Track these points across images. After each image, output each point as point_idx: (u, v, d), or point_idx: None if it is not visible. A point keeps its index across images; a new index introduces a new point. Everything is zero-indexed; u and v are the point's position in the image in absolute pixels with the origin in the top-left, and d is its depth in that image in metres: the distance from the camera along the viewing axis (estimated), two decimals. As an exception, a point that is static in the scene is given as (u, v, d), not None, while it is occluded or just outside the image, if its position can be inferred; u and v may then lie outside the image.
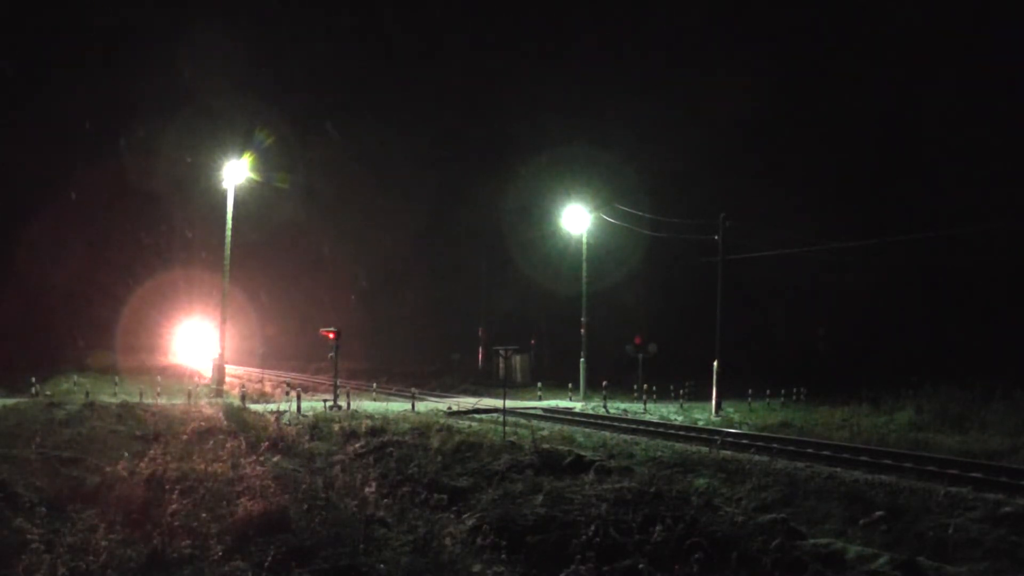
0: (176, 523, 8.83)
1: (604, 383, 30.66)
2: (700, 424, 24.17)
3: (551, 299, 48.35)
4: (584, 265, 36.50)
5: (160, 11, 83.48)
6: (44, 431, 15.54)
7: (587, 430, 22.11)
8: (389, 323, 62.18)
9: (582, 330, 36.18)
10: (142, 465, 11.84)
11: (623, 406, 29.74)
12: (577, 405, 30.84)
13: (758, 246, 30.32)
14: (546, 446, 15.72)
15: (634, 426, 23.03)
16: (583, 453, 14.92)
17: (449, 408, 27.84)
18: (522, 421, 23.18)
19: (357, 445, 16.59)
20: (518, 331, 47.47)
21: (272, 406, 24.53)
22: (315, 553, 8.40)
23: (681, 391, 31.77)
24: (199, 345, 52.80)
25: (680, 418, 26.24)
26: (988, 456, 17.00)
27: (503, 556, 8.87)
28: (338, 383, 29.09)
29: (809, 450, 17.69)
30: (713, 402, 28.02)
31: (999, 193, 37.34)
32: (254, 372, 49.03)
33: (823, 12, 55.30)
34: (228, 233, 32.79)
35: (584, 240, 36.66)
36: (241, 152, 33.16)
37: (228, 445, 13.83)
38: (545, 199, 42.81)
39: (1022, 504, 11.72)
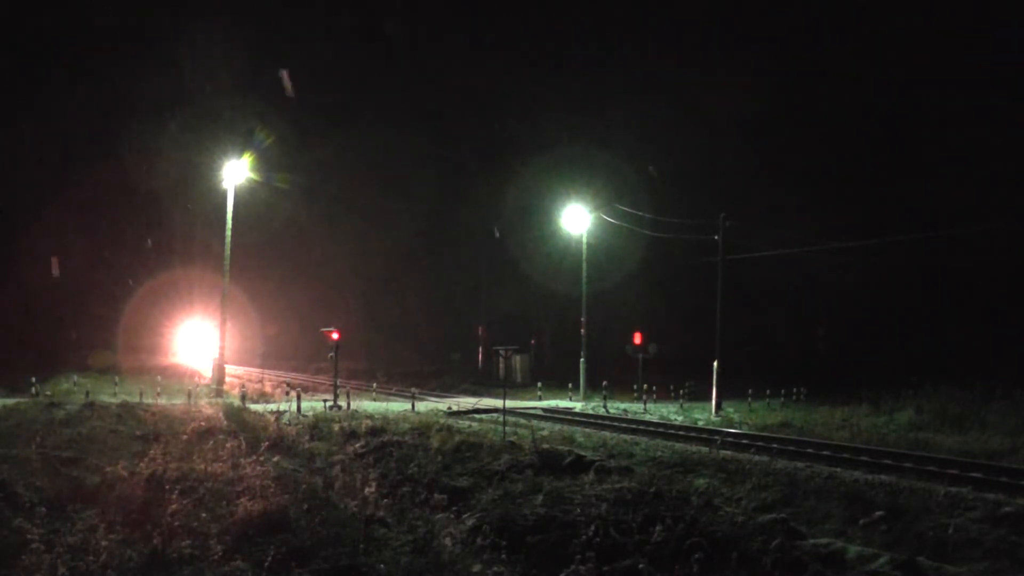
0: (176, 523, 8.82)
1: (604, 383, 30.66)
2: (700, 424, 24.18)
3: (551, 299, 48.36)
4: (584, 265, 36.50)
5: (160, 11, 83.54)
6: (44, 431, 15.54)
7: (587, 430, 22.11)
8: (389, 323, 62.19)
9: (582, 330, 36.18)
10: (142, 465, 11.83)
11: (623, 406, 29.74)
12: (577, 405, 30.84)
13: (758, 246, 30.34)
14: (546, 446, 15.72)
15: (634, 426, 23.02)
16: (583, 453, 14.92)
17: (449, 408, 27.84)
18: (522, 421, 23.18)
19: (357, 445, 16.59)
20: (518, 331, 47.49)
21: (272, 406, 24.54)
22: (315, 553, 8.40)
23: (681, 391, 31.77)
24: (200, 345, 52.77)
25: (680, 418, 26.24)
26: (988, 456, 17.01)
27: (503, 556, 8.86)
28: (338, 383, 29.09)
29: (809, 450, 17.69)
30: (713, 402, 28.03)
31: (999, 193, 37.36)
32: (254, 372, 49.03)
33: (823, 12, 55.36)
34: (228, 233, 32.81)
35: (584, 240, 36.66)
36: (241, 152, 33.19)
37: (228, 445, 13.81)
38: (545, 199, 42.86)
39: (1022, 504, 11.73)
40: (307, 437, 18.18)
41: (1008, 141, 38.51)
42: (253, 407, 24.12)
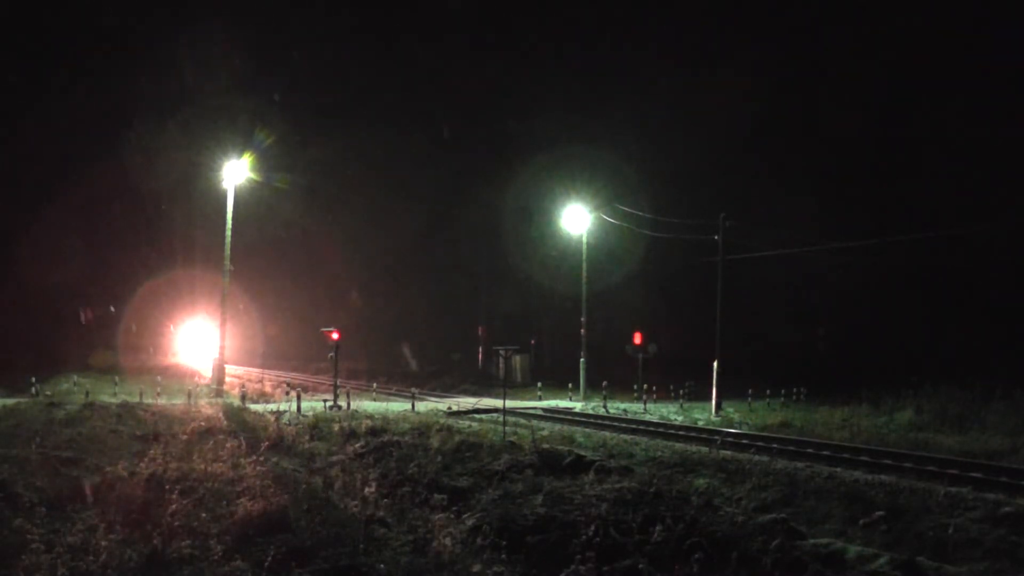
0: (176, 523, 8.82)
1: (604, 383, 30.67)
2: (700, 424, 24.18)
3: (551, 299, 48.35)
4: (584, 265, 36.50)
5: (160, 11, 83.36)
6: (44, 431, 15.57)
7: (587, 430, 22.10)
8: (389, 323, 62.16)
9: (582, 330, 36.19)
10: (142, 465, 11.84)
11: (623, 406, 29.74)
12: (577, 405, 30.84)
13: (758, 246, 30.34)
14: (546, 446, 15.73)
15: (634, 426, 23.03)
16: (583, 453, 14.92)
17: (449, 408, 27.84)
18: (522, 421, 23.18)
19: (357, 445, 16.58)
20: (518, 331, 47.45)
21: (272, 406, 24.55)
22: (315, 553, 8.40)
23: (681, 391, 31.77)
24: (200, 345, 52.78)
25: (680, 418, 26.24)
26: (988, 456, 17.02)
27: (503, 556, 8.87)
28: (338, 383, 29.10)
29: (809, 450, 17.70)
30: (713, 402, 28.03)
31: (999, 193, 37.34)
32: (254, 372, 49.05)
33: (823, 12, 55.26)
34: (228, 233, 32.81)
35: (584, 240, 36.67)
36: (241, 152, 33.22)
37: (228, 445, 13.83)
38: (545, 199, 42.84)
39: (1022, 504, 11.73)
40: (307, 437, 18.18)
41: (1008, 141, 38.48)
42: (253, 407, 24.13)
